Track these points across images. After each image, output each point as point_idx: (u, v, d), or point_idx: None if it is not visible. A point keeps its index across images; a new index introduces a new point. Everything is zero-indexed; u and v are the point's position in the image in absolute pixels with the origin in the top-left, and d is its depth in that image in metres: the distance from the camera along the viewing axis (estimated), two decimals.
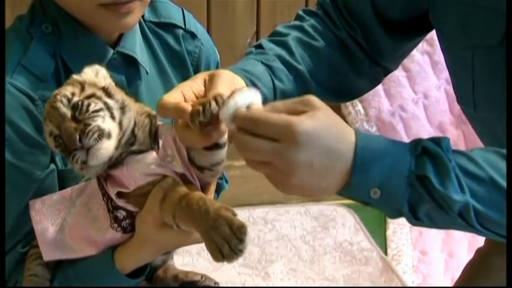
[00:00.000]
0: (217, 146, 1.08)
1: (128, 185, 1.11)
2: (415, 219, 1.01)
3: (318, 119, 0.95)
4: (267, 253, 2.56)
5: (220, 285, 1.34)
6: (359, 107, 2.89)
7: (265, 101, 1.14)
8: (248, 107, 0.99)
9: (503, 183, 0.99)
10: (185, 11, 1.44)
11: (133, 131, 1.11)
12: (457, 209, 0.98)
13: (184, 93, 1.05)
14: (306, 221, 2.77)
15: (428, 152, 0.99)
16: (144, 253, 1.17)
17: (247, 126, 0.96)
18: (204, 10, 2.68)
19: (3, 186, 1.20)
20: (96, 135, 1.05)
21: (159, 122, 1.15)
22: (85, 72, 1.13)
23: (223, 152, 1.10)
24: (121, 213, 1.14)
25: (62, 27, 1.27)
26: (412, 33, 1.31)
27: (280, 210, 2.82)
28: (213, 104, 0.99)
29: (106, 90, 1.11)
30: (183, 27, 1.41)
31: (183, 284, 1.29)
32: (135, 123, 1.11)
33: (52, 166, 1.25)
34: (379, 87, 2.88)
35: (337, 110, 2.90)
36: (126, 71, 1.32)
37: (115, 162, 1.10)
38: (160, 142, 1.12)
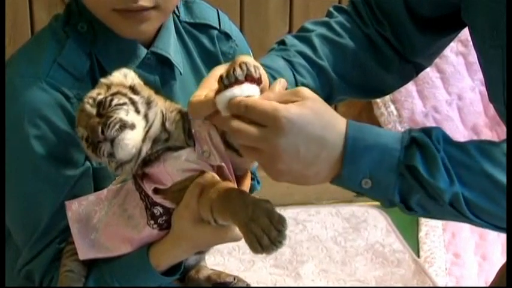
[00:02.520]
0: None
1: (165, 182, 1.12)
2: (408, 209, 1.02)
3: (305, 107, 0.98)
4: (298, 254, 2.56)
5: (252, 286, 1.34)
6: (392, 108, 2.88)
7: None
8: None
9: (496, 173, 1.00)
10: (220, 12, 1.44)
11: (164, 126, 1.12)
12: (448, 198, 1.00)
13: (211, 87, 1.06)
14: (337, 222, 2.76)
15: (417, 142, 1.00)
16: (179, 249, 1.17)
17: (238, 112, 1.00)
18: (236, 10, 2.69)
19: (3, 186, 1.22)
20: (117, 126, 1.07)
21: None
22: (113, 75, 1.15)
23: None
24: (158, 210, 1.15)
25: (96, 27, 1.28)
26: (444, 30, 1.30)
27: (311, 210, 2.82)
28: (238, 69, 1.01)
29: (132, 88, 1.13)
30: (218, 28, 1.42)
31: (216, 285, 1.29)
32: (164, 117, 1.12)
33: (87, 164, 1.26)
34: (412, 88, 2.86)
35: (370, 112, 2.89)
36: (160, 71, 1.33)
37: (151, 159, 1.12)
38: (195, 138, 1.13)
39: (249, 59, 1.05)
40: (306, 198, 2.86)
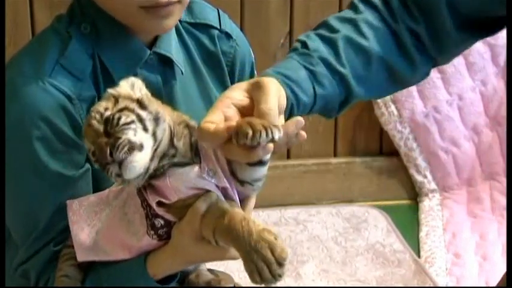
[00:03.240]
0: (260, 163, 1.09)
1: (169, 197, 1.12)
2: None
3: None
4: (299, 254, 2.57)
5: (251, 286, 1.35)
6: (392, 108, 2.88)
7: (303, 107, 1.18)
8: None
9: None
10: (221, 12, 1.44)
11: (172, 142, 1.11)
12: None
13: (225, 111, 1.06)
14: (337, 222, 2.77)
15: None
16: (176, 262, 1.18)
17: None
18: (237, 10, 2.70)
19: (3, 186, 1.22)
20: (126, 149, 1.06)
21: None
22: (120, 85, 1.14)
23: (265, 169, 1.11)
24: (159, 222, 1.15)
25: (100, 28, 1.29)
26: (482, 30, 1.27)
27: (312, 210, 2.83)
28: (263, 135, 1.00)
29: (140, 102, 1.11)
30: (219, 27, 1.42)
31: None
32: (172, 133, 1.12)
33: (87, 165, 1.27)
34: (413, 88, 2.86)
35: (370, 112, 2.90)
36: (162, 71, 1.34)
37: (157, 172, 1.11)
38: (201, 155, 1.13)
39: (272, 115, 1.04)
40: (306, 198, 2.87)
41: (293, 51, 1.24)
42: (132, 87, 1.14)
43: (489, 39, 1.32)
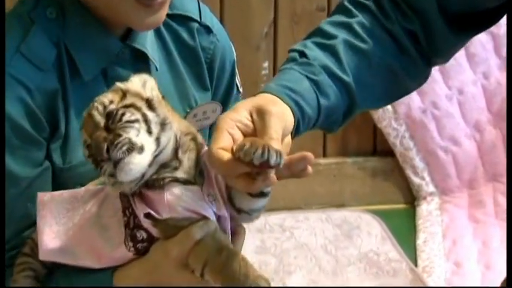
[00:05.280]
0: (261, 194, 1.12)
1: (161, 212, 1.12)
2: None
3: None
4: (285, 263, 2.58)
5: None
6: None
7: (308, 121, 1.20)
8: None
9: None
10: (201, 3, 1.45)
11: (176, 154, 1.12)
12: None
13: (232, 133, 1.07)
14: (327, 228, 2.79)
15: None
16: (147, 280, 1.17)
17: None
18: None
19: (3, 186, 1.23)
20: (125, 148, 1.06)
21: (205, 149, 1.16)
22: (131, 80, 1.15)
23: (266, 200, 1.14)
24: (141, 234, 1.16)
25: (68, 14, 1.28)
26: (475, 26, 1.31)
27: (299, 216, 2.84)
28: (259, 152, 1.01)
29: (149, 102, 1.12)
30: (199, 20, 1.43)
31: None
32: (177, 143, 1.13)
33: (46, 164, 1.27)
34: None
35: None
36: (135, 66, 1.34)
37: (154, 183, 1.12)
38: (205, 177, 1.14)
39: (276, 140, 1.06)
40: (293, 203, 2.88)
41: (291, 61, 1.26)
42: (143, 84, 1.15)
43: (492, 28, 1.35)
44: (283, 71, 1.24)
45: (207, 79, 1.45)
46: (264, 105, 1.10)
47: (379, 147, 3.01)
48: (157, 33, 1.40)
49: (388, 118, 2.90)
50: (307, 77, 1.22)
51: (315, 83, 1.22)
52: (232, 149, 1.04)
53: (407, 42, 1.29)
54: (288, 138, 1.13)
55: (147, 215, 1.13)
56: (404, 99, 2.86)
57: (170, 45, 1.41)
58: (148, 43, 1.35)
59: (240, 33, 2.66)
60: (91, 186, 1.23)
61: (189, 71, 1.43)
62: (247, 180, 1.05)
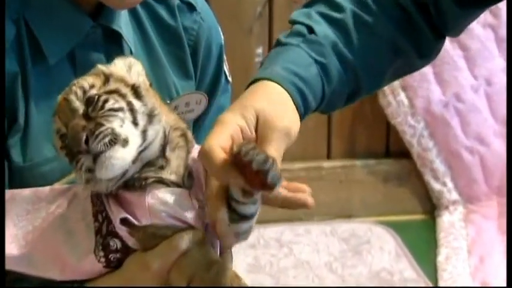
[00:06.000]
0: (244, 217, 1.11)
1: (139, 217, 1.12)
2: None
3: None
4: (282, 283, 2.59)
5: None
6: (401, 96, 2.90)
7: (309, 111, 1.24)
8: None
9: None
10: None
11: (164, 151, 1.13)
12: None
13: (234, 136, 1.09)
14: (332, 243, 2.79)
15: None
16: None
17: None
18: None
19: (3, 188, 1.23)
20: (107, 140, 1.06)
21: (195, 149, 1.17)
22: (115, 63, 1.15)
23: (250, 223, 1.13)
24: (115, 243, 1.15)
25: None
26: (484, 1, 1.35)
27: (299, 229, 2.85)
28: (255, 154, 1.02)
29: (135, 89, 1.13)
30: None
31: None
32: (166, 139, 1.13)
33: None
34: (429, 71, 2.89)
35: (374, 101, 2.92)
36: (106, 48, 1.34)
37: (134, 183, 1.12)
38: (194, 180, 1.14)
39: (277, 154, 1.09)
40: (291, 214, 2.88)
41: (297, 36, 1.28)
42: (129, 69, 1.15)
43: None
44: (289, 48, 1.26)
45: (190, 65, 1.45)
46: (272, 117, 1.13)
47: (393, 148, 3.03)
48: (132, 11, 1.39)
49: (404, 113, 2.90)
50: (316, 61, 1.25)
51: (323, 68, 1.25)
52: (231, 149, 1.05)
53: (417, 14, 1.32)
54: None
55: (124, 221, 1.13)
56: (423, 91, 2.89)
57: (147, 26, 1.41)
58: (122, 22, 1.35)
59: (230, 13, 2.66)
60: (57, 185, 1.22)
61: (169, 56, 1.43)
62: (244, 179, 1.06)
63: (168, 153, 1.13)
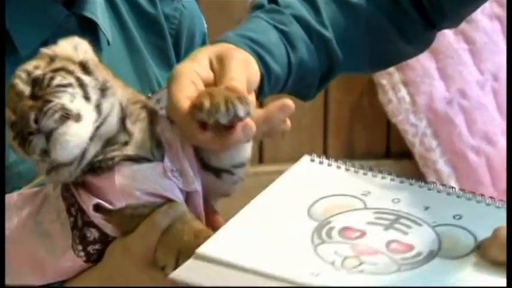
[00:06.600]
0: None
1: (113, 200, 1.13)
2: None
3: None
4: None
5: None
6: (403, 92, 2.90)
7: (276, 81, 1.24)
8: None
9: None
10: None
11: (124, 124, 1.14)
12: None
13: (196, 82, 1.11)
14: None
15: None
16: None
17: None
18: None
19: (3, 187, 1.24)
20: (57, 116, 1.07)
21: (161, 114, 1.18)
22: (59, 45, 1.17)
23: (248, 147, 1.16)
24: (92, 234, 1.16)
25: None
26: None
27: None
28: (222, 108, 1.05)
29: (83, 65, 1.14)
30: None
31: None
32: (124, 113, 1.14)
33: None
34: (432, 66, 2.90)
35: (373, 97, 2.94)
36: (81, 38, 1.36)
37: (101, 166, 1.13)
38: (165, 148, 1.15)
39: (238, 81, 1.11)
40: None
41: (257, 8, 1.30)
42: (75, 48, 1.17)
43: None
44: (247, 20, 1.28)
45: (172, 55, 1.48)
46: (225, 50, 1.14)
47: (394, 148, 3.04)
48: None
49: (405, 111, 2.91)
50: (276, 28, 1.26)
51: (285, 35, 1.26)
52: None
53: (406, 1, 1.34)
54: (253, 97, 1.16)
55: (97, 208, 1.14)
56: (426, 87, 2.89)
57: (125, 14, 1.44)
58: (98, 10, 1.37)
59: (218, 4, 2.67)
60: (25, 190, 1.24)
61: (150, 45, 1.46)
62: (220, 135, 1.08)
63: (129, 126, 1.14)
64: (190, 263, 1.04)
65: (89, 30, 1.37)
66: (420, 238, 1.05)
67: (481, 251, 0.99)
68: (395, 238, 1.05)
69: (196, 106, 1.07)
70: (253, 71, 1.17)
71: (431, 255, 1.02)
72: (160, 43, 1.46)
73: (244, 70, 1.14)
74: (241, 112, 1.05)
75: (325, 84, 1.34)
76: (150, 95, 1.38)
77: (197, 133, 1.09)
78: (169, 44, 1.47)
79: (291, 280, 0.99)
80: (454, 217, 1.06)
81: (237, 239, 1.06)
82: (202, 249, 1.04)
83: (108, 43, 1.39)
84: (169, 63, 1.47)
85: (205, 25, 1.52)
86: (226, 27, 2.77)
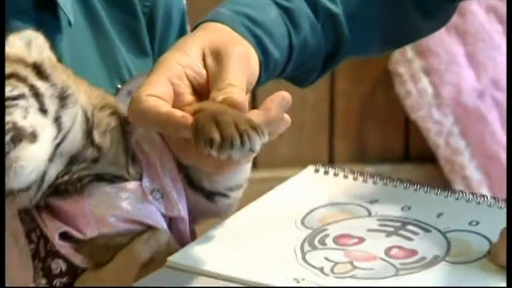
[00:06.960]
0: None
1: (83, 228, 1.14)
2: None
3: None
4: None
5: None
6: (424, 82, 2.92)
7: (274, 67, 1.26)
8: None
9: None
10: None
11: (91, 138, 1.15)
12: None
13: (174, 82, 1.10)
14: None
15: None
16: None
17: None
18: None
19: (3, 187, 1.26)
20: (8, 138, 1.07)
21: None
22: (9, 42, 1.17)
23: (247, 168, 1.18)
24: (58, 265, 1.17)
25: None
26: None
27: None
28: (237, 143, 1.02)
29: (38, 68, 1.14)
30: None
31: None
32: (90, 123, 1.15)
33: None
34: (459, 51, 2.91)
35: (388, 89, 2.95)
36: (40, 20, 1.36)
37: (67, 188, 1.14)
38: (143, 163, 1.16)
39: (238, 88, 1.10)
40: None
41: None
42: (28, 44, 1.17)
43: None
44: None
45: (145, 39, 1.48)
46: (222, 44, 1.14)
47: (414, 150, 3.07)
48: None
49: (427, 105, 2.93)
50: (276, 3, 1.27)
51: (286, 11, 1.27)
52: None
53: None
54: (248, 96, 1.15)
55: (64, 236, 1.15)
56: (452, 77, 2.90)
57: None
58: None
59: None
60: None
61: (119, 27, 1.47)
62: (215, 161, 1.06)
63: (97, 139, 1.15)
64: (160, 271, 1.07)
65: (47, 9, 1.38)
66: (426, 244, 1.10)
67: (490, 255, 1.05)
68: (397, 244, 1.10)
69: (201, 137, 1.03)
70: (253, 68, 1.18)
71: (436, 260, 1.07)
72: (131, 24, 1.47)
73: (244, 71, 1.14)
74: (258, 146, 1.03)
75: (328, 69, 1.35)
76: (119, 86, 1.41)
77: (181, 151, 1.09)
78: (142, 25, 1.47)
79: (265, 285, 1.03)
80: (470, 223, 1.11)
81: (212, 248, 1.09)
82: (174, 257, 1.07)
83: (70, 24, 1.39)
84: (142, 48, 1.48)
85: (184, 1, 1.53)
86: (210, 8, 2.82)
